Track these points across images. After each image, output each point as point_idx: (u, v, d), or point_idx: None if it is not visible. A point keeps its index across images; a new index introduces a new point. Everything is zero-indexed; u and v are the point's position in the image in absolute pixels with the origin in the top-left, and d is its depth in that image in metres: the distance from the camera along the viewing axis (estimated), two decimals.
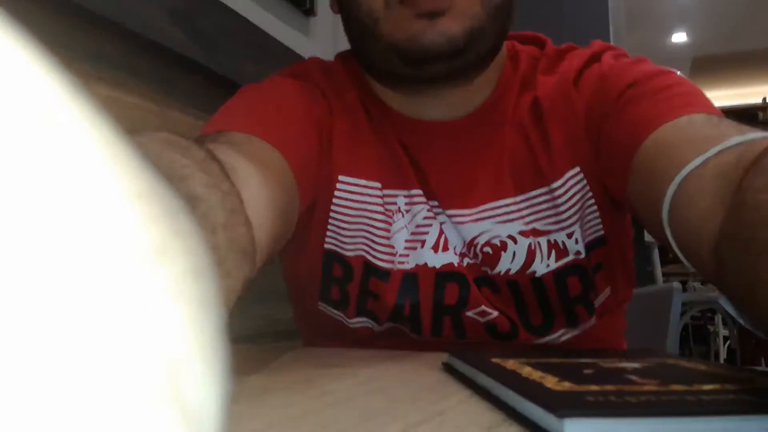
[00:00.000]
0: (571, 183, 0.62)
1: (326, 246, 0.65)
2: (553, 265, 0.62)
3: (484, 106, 0.64)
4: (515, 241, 0.62)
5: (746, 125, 0.48)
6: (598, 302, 0.66)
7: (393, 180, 0.63)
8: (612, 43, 3.12)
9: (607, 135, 0.59)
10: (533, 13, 2.84)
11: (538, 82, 0.64)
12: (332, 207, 0.64)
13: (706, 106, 0.54)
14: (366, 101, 0.66)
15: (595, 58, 0.64)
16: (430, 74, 0.59)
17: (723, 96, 7.85)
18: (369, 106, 0.66)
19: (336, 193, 0.64)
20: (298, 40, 1.32)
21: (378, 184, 0.64)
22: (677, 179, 0.45)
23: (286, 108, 0.60)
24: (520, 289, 0.63)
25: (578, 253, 0.62)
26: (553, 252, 0.62)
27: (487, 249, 0.62)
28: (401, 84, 0.62)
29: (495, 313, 0.63)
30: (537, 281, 0.62)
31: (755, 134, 0.44)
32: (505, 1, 0.59)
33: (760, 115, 6.91)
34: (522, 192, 0.63)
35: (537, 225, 0.63)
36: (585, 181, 0.62)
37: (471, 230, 0.63)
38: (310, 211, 0.64)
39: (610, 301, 0.67)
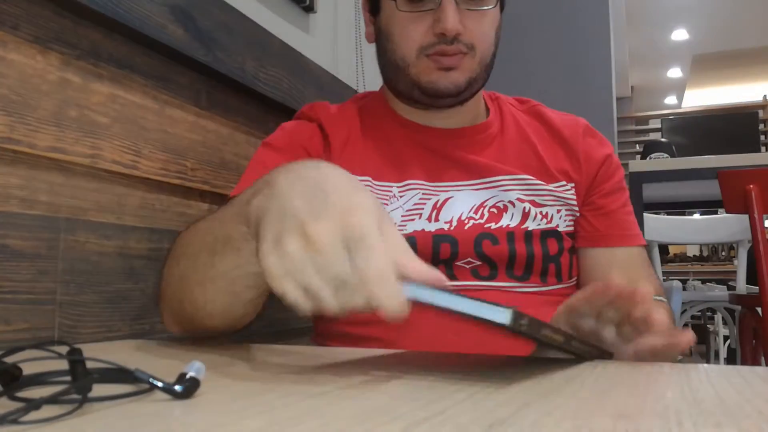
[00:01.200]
0: (567, 188, 0.89)
1: None
2: (543, 225, 0.85)
3: (482, 123, 0.91)
4: (514, 205, 0.85)
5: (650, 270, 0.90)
6: (566, 284, 0.86)
7: (386, 175, 0.85)
8: (612, 41, 3.11)
9: (596, 209, 0.89)
10: (534, 14, 2.84)
11: (541, 110, 0.95)
12: None
13: (639, 236, 0.91)
14: (384, 119, 0.91)
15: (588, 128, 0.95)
16: (439, 105, 0.86)
17: (723, 94, 7.85)
18: (385, 122, 0.90)
19: None
20: (298, 36, 1.31)
21: (368, 179, 0.84)
22: None
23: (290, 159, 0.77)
24: (515, 240, 0.83)
25: (557, 225, 0.87)
26: (544, 219, 0.86)
27: (494, 210, 0.84)
28: (417, 104, 0.88)
29: (478, 262, 0.83)
30: (528, 234, 0.84)
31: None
32: (492, 59, 0.85)
33: (761, 113, 6.90)
34: (526, 173, 0.87)
35: (536, 199, 0.86)
36: (575, 196, 0.89)
37: (482, 195, 0.85)
38: None
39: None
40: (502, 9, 0.86)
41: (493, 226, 0.83)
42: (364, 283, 0.43)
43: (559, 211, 0.87)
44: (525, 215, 0.84)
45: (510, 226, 0.83)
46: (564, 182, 0.88)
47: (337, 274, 0.43)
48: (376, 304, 0.43)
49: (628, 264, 0.88)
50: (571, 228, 0.89)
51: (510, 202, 0.84)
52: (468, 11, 0.80)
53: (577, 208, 0.89)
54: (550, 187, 0.88)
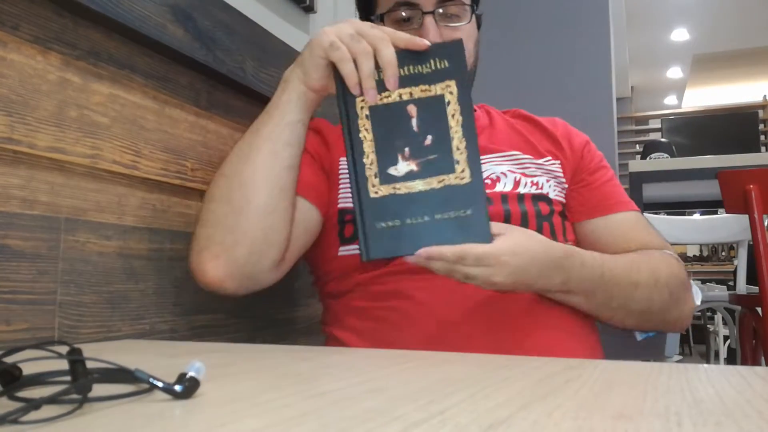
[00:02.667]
0: (554, 163, 0.98)
1: (339, 206, 0.91)
2: (534, 191, 0.93)
3: None
4: (506, 176, 0.94)
5: (651, 228, 0.97)
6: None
7: None
8: (612, 42, 3.11)
9: (585, 185, 0.99)
10: (534, 14, 2.83)
11: (523, 112, 1.07)
12: (339, 178, 0.93)
13: (632, 203, 0.99)
14: None
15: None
16: None
17: (723, 94, 7.84)
18: None
19: (340, 167, 0.93)
20: (298, 36, 1.31)
21: None
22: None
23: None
24: (508, 201, 0.91)
25: (548, 192, 0.94)
26: (534, 186, 0.94)
27: (487, 181, 0.92)
28: None
29: None
30: (520, 196, 0.92)
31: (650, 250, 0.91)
32: (472, 70, 0.96)
33: (761, 113, 6.90)
34: (516, 150, 0.97)
35: (526, 171, 0.95)
36: (562, 171, 0.98)
37: None
38: (329, 189, 0.93)
39: None
40: (479, 26, 0.99)
41: (488, 192, 0.91)
42: (380, 39, 0.71)
43: (548, 180, 0.96)
44: (516, 183, 0.93)
45: (503, 191, 0.92)
46: (550, 158, 0.98)
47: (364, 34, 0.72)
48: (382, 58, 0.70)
49: (626, 227, 0.95)
50: (561, 198, 0.97)
51: (502, 173, 0.93)
52: (446, 28, 0.92)
53: (564, 182, 0.98)
54: (539, 161, 0.97)
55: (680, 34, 6.60)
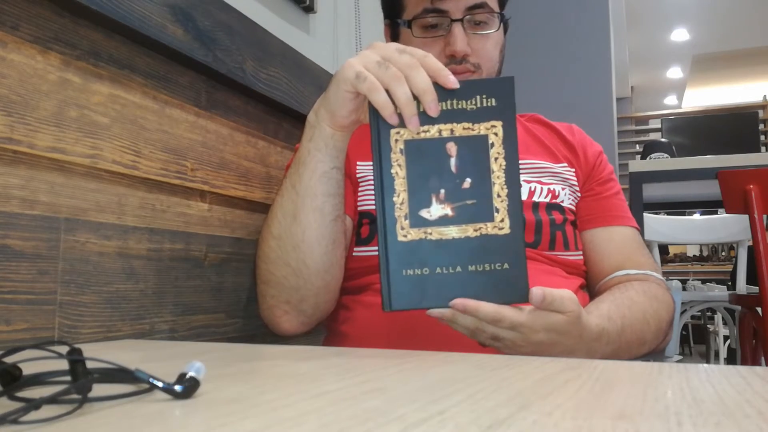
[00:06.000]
0: (570, 170, 1.00)
1: (359, 209, 0.93)
2: (548, 199, 0.95)
3: None
4: (521, 186, 0.93)
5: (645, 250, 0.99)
6: (574, 255, 0.95)
7: None
8: (612, 42, 3.11)
9: (594, 195, 1.01)
10: (534, 14, 2.83)
11: (539, 117, 1.08)
12: (359, 182, 0.94)
13: (633, 220, 1.02)
14: None
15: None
16: None
17: (723, 94, 7.84)
18: None
19: (357, 171, 0.95)
20: (298, 37, 1.31)
21: None
22: (610, 275, 0.94)
23: None
24: (522, 209, 0.91)
25: (562, 201, 0.96)
26: (549, 195, 0.95)
27: None
28: None
29: None
30: (535, 205, 0.93)
31: (648, 271, 0.94)
32: (500, 66, 0.97)
33: (761, 113, 6.90)
34: (534, 158, 0.98)
35: (542, 179, 0.96)
36: (576, 178, 1.00)
37: None
38: (353, 193, 0.95)
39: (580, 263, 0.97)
40: (505, 31, 0.97)
41: None
42: (409, 66, 0.64)
43: (564, 189, 0.97)
44: (531, 193, 0.94)
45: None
46: (566, 164, 1.00)
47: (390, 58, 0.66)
48: (415, 83, 0.63)
49: (625, 242, 0.98)
50: (573, 206, 0.99)
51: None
52: (475, 35, 0.92)
53: (578, 189, 1.00)
54: (557, 168, 0.99)
55: (680, 34, 6.60)
